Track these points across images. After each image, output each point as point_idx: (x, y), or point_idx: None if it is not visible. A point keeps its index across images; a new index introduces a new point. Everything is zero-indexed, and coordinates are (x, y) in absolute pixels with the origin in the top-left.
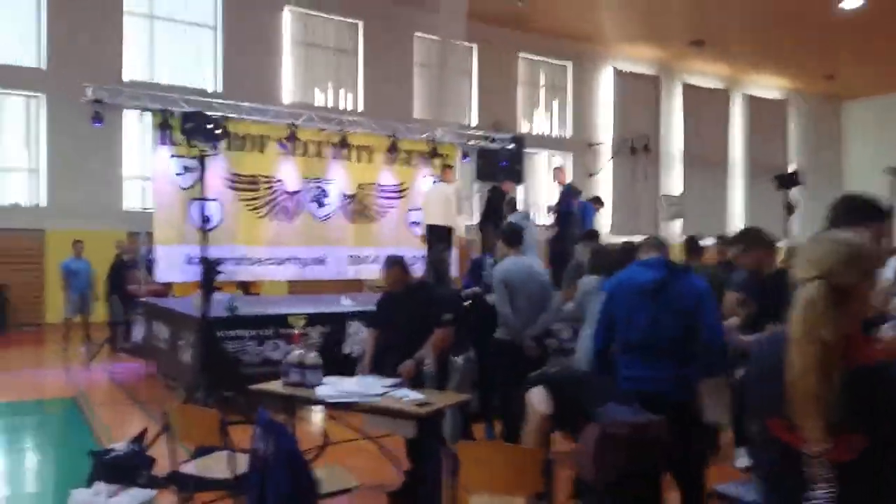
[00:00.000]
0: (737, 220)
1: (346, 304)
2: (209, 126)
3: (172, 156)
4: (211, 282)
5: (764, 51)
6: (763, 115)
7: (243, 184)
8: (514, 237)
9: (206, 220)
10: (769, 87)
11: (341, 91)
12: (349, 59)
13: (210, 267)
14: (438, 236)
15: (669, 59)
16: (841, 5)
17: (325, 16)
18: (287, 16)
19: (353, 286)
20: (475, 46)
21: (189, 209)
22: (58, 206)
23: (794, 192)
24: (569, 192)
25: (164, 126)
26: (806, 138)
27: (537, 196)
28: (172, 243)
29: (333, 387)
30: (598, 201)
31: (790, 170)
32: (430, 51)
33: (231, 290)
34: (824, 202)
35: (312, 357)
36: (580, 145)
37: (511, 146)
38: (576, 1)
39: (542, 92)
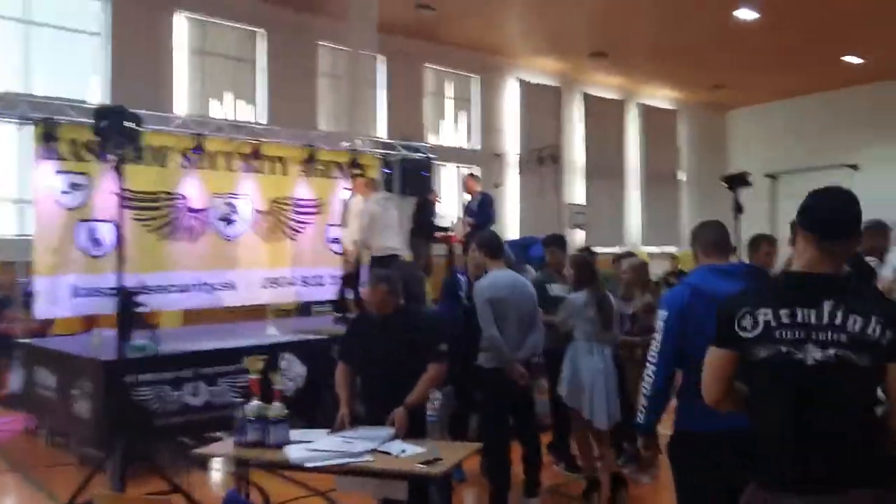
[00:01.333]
0: (634, 228)
1: (272, 333)
2: (127, 125)
3: (58, 172)
4: (129, 317)
5: (659, 62)
6: (656, 124)
7: (141, 202)
8: (496, 247)
9: (96, 243)
10: (661, 97)
11: (241, 102)
12: (249, 69)
13: (128, 298)
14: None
15: (571, 70)
16: (735, 13)
17: (224, 23)
18: (181, 22)
19: (254, 313)
20: (382, 57)
21: (76, 232)
22: None
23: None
24: (489, 202)
25: (48, 138)
26: (694, 146)
27: (444, 209)
28: (55, 273)
29: (305, 445)
30: None
31: (679, 175)
32: (336, 61)
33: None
34: (711, 207)
35: (277, 408)
36: (488, 157)
37: (428, 157)
38: (483, 12)
39: (450, 104)
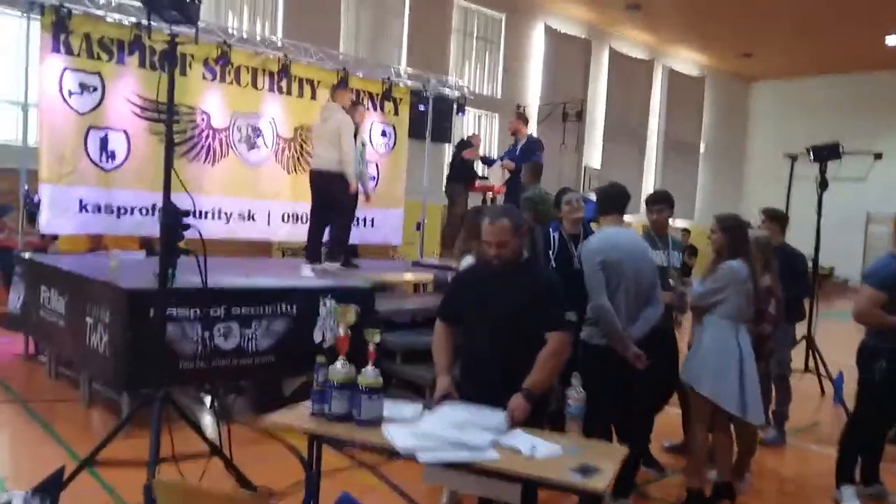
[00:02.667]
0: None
1: (308, 274)
2: None
3: (66, 69)
4: (174, 242)
5: (691, 20)
6: (682, 89)
7: (157, 112)
8: (614, 200)
9: (108, 155)
10: (689, 61)
11: (258, 19)
12: None
13: (174, 219)
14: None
15: (601, 21)
16: None
17: None
18: None
19: (257, 249)
20: None
21: (87, 141)
22: None
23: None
24: (535, 147)
25: (58, 28)
26: (716, 116)
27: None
28: (62, 182)
29: (407, 427)
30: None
31: (700, 146)
32: None
33: (132, 247)
34: (727, 181)
35: (371, 375)
36: (509, 106)
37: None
38: None
39: (475, 43)
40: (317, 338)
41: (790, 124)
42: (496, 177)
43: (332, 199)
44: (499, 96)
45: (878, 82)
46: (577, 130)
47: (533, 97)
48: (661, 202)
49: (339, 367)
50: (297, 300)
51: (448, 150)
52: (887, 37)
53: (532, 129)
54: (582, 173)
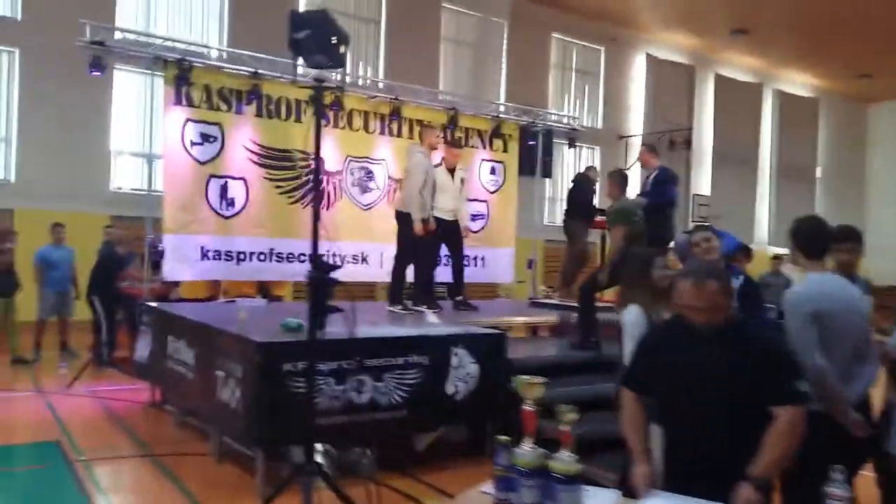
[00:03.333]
0: (762, 225)
1: (433, 321)
2: (334, 39)
3: (189, 120)
4: (324, 294)
5: (803, 43)
6: (794, 113)
7: (273, 160)
8: (819, 240)
9: (228, 202)
10: (800, 84)
11: (360, 63)
12: (370, 28)
13: (324, 270)
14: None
15: (705, 47)
16: None
17: None
18: None
19: (362, 292)
20: (506, 22)
21: (207, 189)
22: (29, 181)
23: None
24: (668, 178)
25: (180, 80)
26: (832, 140)
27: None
28: (184, 231)
29: None
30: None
31: (816, 171)
32: (459, 24)
33: (249, 292)
34: (847, 206)
35: (566, 460)
36: (610, 138)
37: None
38: None
39: (573, 76)
40: (449, 390)
41: None
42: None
43: (399, 239)
44: (600, 127)
45: None
46: (685, 158)
47: (636, 127)
48: (851, 240)
49: (527, 451)
50: (428, 349)
51: (551, 186)
52: None
53: (633, 160)
54: (691, 202)
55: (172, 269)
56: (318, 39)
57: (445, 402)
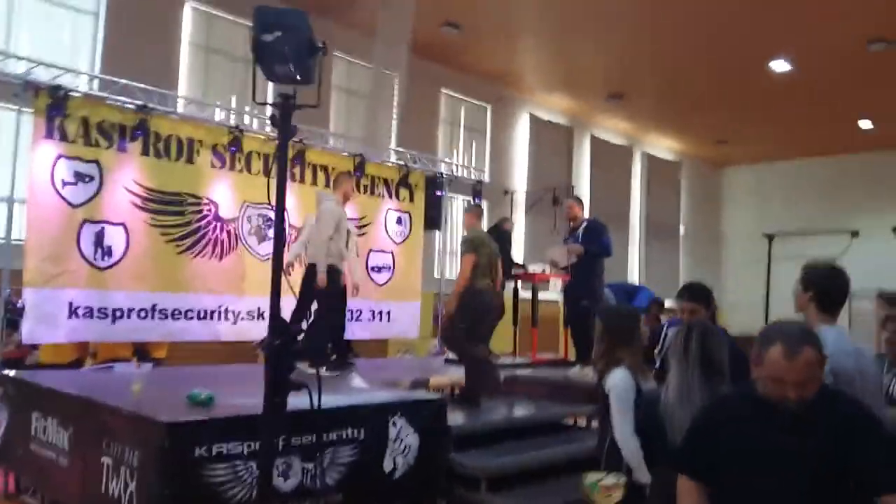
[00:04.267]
0: (633, 278)
1: (360, 385)
2: (312, 47)
3: (61, 156)
4: (283, 364)
5: (669, 109)
6: (659, 174)
7: (160, 203)
8: (834, 295)
9: (104, 251)
10: (666, 148)
11: (246, 107)
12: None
13: (288, 335)
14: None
15: (581, 111)
16: (771, 64)
17: (231, 18)
18: (187, 13)
19: (236, 353)
20: (397, 76)
21: (80, 236)
22: None
23: None
24: (599, 228)
25: (53, 110)
26: (693, 200)
27: (455, 245)
28: (50, 285)
29: None
30: None
31: (680, 228)
32: (350, 73)
33: (125, 355)
34: (706, 262)
35: None
36: (497, 192)
37: (480, 182)
38: (501, 40)
39: (462, 132)
40: (387, 466)
41: (766, 207)
42: (560, 259)
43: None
44: (487, 181)
45: (852, 164)
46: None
47: (520, 183)
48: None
49: None
50: (365, 421)
51: (440, 238)
52: (859, 121)
53: (521, 214)
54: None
55: (33, 330)
56: (292, 45)
57: (384, 482)
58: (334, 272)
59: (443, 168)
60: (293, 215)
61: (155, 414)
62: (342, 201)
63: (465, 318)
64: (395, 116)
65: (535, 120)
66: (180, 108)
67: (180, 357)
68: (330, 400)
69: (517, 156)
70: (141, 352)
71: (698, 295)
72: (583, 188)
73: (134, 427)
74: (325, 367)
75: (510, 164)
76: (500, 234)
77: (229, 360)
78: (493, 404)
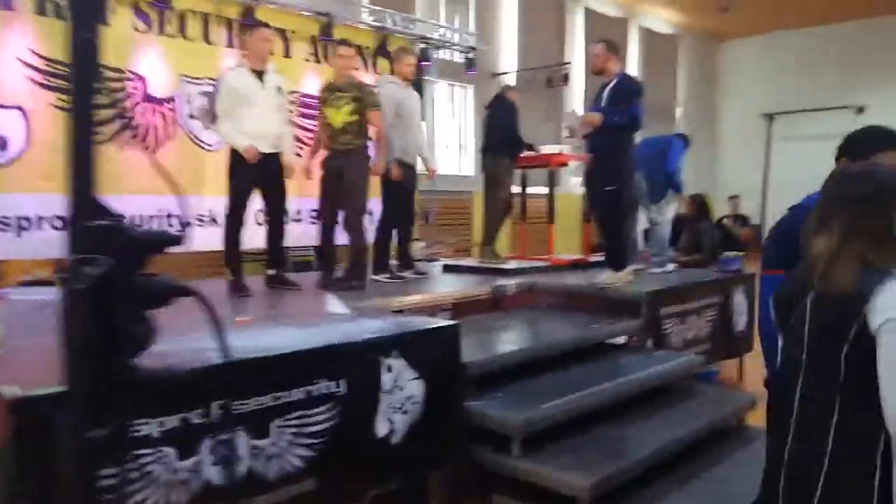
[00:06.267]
0: None
1: (337, 310)
2: None
3: None
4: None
5: None
6: (656, 49)
7: (68, 80)
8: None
9: None
10: (664, 20)
11: None
12: None
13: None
14: None
15: None
16: None
17: None
18: None
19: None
20: None
21: None
22: None
23: None
24: (633, 88)
25: None
26: (691, 78)
27: (437, 135)
28: None
29: None
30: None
31: (676, 109)
32: None
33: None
34: (702, 143)
35: None
36: (483, 76)
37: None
38: None
39: (442, 4)
40: (380, 430)
41: (766, 84)
42: (575, 129)
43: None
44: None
45: (857, 33)
46: (563, 96)
47: (509, 64)
48: None
49: None
50: (346, 367)
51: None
52: None
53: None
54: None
55: None
56: None
57: (377, 451)
58: (403, 168)
59: (428, 34)
60: None
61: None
62: (404, 84)
63: None
64: None
65: None
66: None
67: None
68: (286, 338)
69: (504, 34)
70: (64, 272)
71: None
72: (577, 69)
73: None
74: (387, 275)
75: (497, 44)
76: (504, 105)
77: (189, 276)
78: (513, 320)
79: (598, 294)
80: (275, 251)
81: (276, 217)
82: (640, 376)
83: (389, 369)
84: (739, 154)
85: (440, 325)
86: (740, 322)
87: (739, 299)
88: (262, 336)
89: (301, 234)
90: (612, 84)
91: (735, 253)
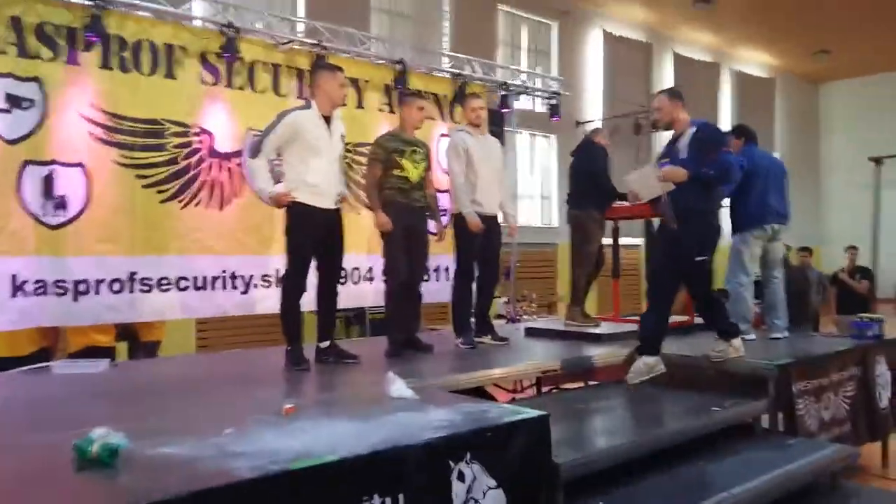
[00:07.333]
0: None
1: (401, 390)
2: None
3: None
4: None
5: (760, 17)
6: (750, 92)
7: (132, 136)
8: None
9: (57, 204)
10: (758, 63)
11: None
12: None
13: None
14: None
15: (661, 24)
16: None
17: None
18: None
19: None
20: None
21: (20, 183)
22: None
23: None
24: (716, 137)
25: None
26: (788, 121)
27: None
28: None
29: None
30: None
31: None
32: None
33: (103, 341)
34: (804, 189)
35: None
36: (567, 124)
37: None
38: None
39: (524, 55)
40: None
41: (870, 126)
42: (644, 190)
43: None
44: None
45: None
46: (650, 142)
47: (594, 112)
48: None
49: None
50: (406, 476)
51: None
52: None
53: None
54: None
55: None
56: None
57: None
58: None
59: (509, 80)
60: None
61: None
62: (474, 130)
63: None
64: (446, 39)
65: (608, 37)
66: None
67: (176, 342)
68: (333, 435)
69: (588, 81)
70: (128, 333)
71: None
72: None
73: None
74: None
75: (581, 91)
76: (590, 150)
77: (256, 340)
78: (610, 400)
79: (713, 367)
80: (331, 321)
81: (333, 281)
82: (775, 477)
83: (461, 478)
84: (846, 198)
85: (526, 416)
86: (883, 397)
87: (882, 370)
88: (302, 432)
89: (376, 293)
90: (690, 134)
91: (873, 315)
